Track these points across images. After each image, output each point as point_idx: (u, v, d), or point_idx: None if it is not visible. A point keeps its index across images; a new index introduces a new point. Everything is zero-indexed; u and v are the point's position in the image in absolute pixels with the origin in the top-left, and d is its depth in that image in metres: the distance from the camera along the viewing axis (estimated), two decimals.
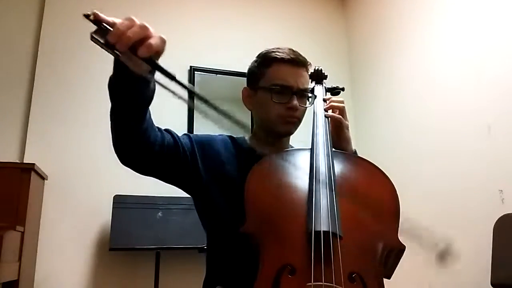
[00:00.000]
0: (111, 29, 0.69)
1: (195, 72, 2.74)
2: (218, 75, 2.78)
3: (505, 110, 1.90)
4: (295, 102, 1.07)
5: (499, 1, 2.00)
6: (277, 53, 1.10)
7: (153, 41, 0.70)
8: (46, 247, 2.23)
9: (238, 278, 0.94)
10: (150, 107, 0.92)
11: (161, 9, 2.80)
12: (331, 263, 0.72)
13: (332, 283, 0.69)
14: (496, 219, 1.70)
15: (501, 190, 1.86)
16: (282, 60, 1.09)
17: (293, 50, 1.12)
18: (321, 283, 0.69)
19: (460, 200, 2.07)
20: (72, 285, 2.24)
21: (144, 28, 0.70)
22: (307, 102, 1.13)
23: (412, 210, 2.40)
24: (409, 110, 2.53)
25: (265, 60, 1.12)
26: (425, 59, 2.45)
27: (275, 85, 1.08)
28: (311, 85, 1.27)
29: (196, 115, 2.66)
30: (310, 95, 1.13)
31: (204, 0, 2.94)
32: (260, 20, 3.04)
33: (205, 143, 1.11)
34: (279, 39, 2.88)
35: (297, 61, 1.10)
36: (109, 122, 0.93)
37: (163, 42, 0.73)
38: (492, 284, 1.62)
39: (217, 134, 1.18)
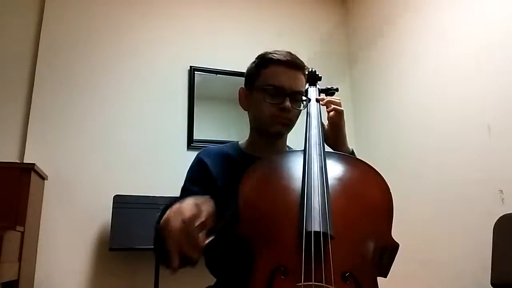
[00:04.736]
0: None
1: (195, 72, 2.73)
2: (218, 75, 2.77)
3: (505, 110, 1.90)
4: (288, 103, 1.08)
5: (499, 1, 2.00)
6: (274, 55, 1.12)
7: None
8: (46, 247, 2.23)
9: (233, 279, 0.94)
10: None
11: (162, 9, 2.80)
12: (322, 263, 0.72)
13: (322, 283, 0.70)
14: (496, 219, 1.69)
15: (501, 190, 1.86)
16: (278, 62, 1.10)
17: (291, 53, 1.13)
18: (311, 283, 0.69)
19: (460, 200, 2.07)
20: (72, 285, 2.24)
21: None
22: (301, 105, 1.13)
23: (412, 210, 2.42)
24: (408, 110, 2.53)
25: (263, 61, 1.13)
26: (425, 59, 2.45)
27: (269, 85, 1.09)
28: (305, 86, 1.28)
29: (196, 116, 2.67)
30: (304, 98, 1.14)
31: (205, 0, 2.94)
32: (260, 20, 3.04)
33: (201, 174, 1.11)
34: (279, 39, 2.89)
35: (293, 64, 1.11)
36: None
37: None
38: (492, 284, 1.62)
39: (210, 147, 1.20)
